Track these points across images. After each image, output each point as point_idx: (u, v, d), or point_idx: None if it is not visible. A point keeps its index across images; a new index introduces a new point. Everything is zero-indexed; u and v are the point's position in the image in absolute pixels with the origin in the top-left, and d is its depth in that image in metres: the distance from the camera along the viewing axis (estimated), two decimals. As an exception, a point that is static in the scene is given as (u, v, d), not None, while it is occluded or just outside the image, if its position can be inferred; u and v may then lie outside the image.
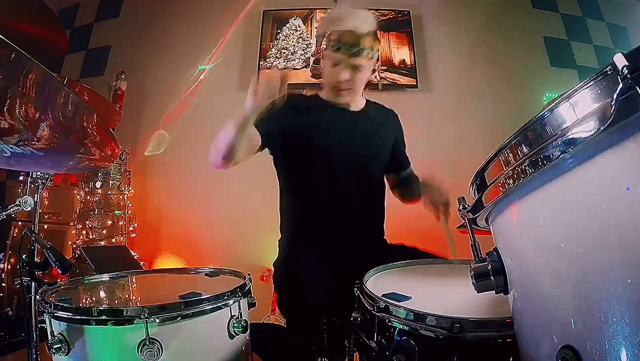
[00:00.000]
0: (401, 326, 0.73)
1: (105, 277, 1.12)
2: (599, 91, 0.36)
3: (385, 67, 2.92)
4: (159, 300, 0.83)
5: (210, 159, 1.28)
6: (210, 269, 1.16)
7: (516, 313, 0.58)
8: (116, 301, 1.00)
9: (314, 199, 1.36)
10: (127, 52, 3.20)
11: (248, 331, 0.93)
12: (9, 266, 2.35)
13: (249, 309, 0.95)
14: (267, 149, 1.37)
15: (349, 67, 1.30)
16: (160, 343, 0.76)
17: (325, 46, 1.34)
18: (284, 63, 3.00)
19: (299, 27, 3.06)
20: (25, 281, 0.99)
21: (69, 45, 1.45)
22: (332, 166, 1.35)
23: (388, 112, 1.56)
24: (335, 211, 1.34)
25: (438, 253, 1.30)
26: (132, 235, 2.69)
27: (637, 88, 0.32)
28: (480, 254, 0.63)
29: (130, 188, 2.71)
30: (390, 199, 1.56)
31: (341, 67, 1.31)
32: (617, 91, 0.33)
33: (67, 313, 0.79)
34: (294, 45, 3.03)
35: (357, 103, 1.46)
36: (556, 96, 2.70)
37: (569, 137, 0.39)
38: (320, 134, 1.35)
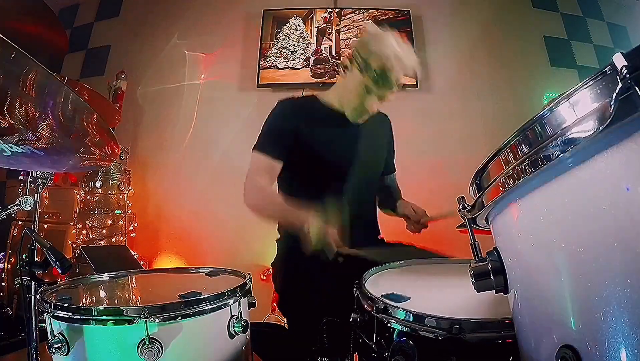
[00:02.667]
0: (400, 327, 0.73)
1: (106, 277, 1.12)
2: (599, 91, 0.36)
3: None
4: (159, 300, 0.83)
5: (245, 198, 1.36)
6: (210, 269, 1.16)
7: (516, 313, 0.58)
8: (116, 301, 1.00)
9: (312, 200, 1.36)
10: (127, 52, 3.20)
11: (248, 331, 0.93)
12: (9, 266, 2.35)
13: (249, 309, 0.95)
14: None
15: (379, 97, 1.30)
16: (160, 343, 0.76)
17: (360, 66, 1.29)
18: (284, 63, 3.00)
19: (299, 26, 3.06)
20: (25, 281, 0.99)
21: (69, 45, 1.45)
22: (330, 167, 1.35)
23: (384, 117, 1.56)
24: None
25: (436, 251, 1.30)
26: (132, 235, 2.69)
27: (636, 88, 0.32)
28: (480, 253, 0.63)
29: (130, 188, 2.71)
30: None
31: (372, 96, 1.30)
32: (616, 91, 0.33)
33: (67, 313, 0.79)
34: (294, 45, 3.03)
35: None
36: (556, 95, 2.70)
37: (569, 136, 0.39)
38: (319, 137, 1.35)
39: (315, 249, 1.11)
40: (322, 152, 1.34)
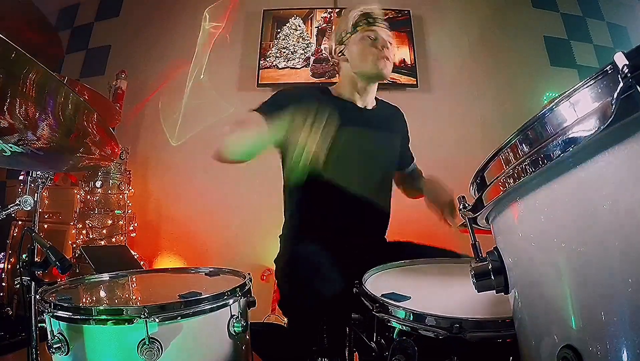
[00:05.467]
0: (401, 327, 0.72)
1: (105, 277, 1.11)
2: (600, 90, 0.36)
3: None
4: (159, 300, 0.83)
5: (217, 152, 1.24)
6: (210, 269, 1.16)
7: (516, 313, 0.58)
8: (116, 301, 1.00)
9: (319, 197, 1.35)
10: (127, 52, 3.20)
11: (248, 331, 0.93)
12: (9, 266, 2.35)
13: (249, 308, 0.95)
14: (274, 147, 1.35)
15: (381, 39, 1.33)
16: (160, 343, 0.76)
17: (349, 34, 1.36)
18: (284, 62, 3.00)
19: (299, 26, 3.06)
20: (25, 281, 0.99)
21: (68, 47, 1.45)
22: (341, 164, 1.33)
23: (395, 109, 1.56)
24: (339, 209, 1.33)
25: (434, 246, 1.30)
26: (132, 235, 2.69)
27: (638, 87, 0.32)
28: (481, 253, 0.63)
29: (130, 188, 2.70)
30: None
31: (376, 43, 1.32)
32: (618, 90, 0.33)
33: (67, 313, 0.79)
34: (294, 44, 3.03)
35: (368, 100, 1.43)
36: (556, 95, 2.71)
37: (570, 136, 0.39)
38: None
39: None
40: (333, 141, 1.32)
